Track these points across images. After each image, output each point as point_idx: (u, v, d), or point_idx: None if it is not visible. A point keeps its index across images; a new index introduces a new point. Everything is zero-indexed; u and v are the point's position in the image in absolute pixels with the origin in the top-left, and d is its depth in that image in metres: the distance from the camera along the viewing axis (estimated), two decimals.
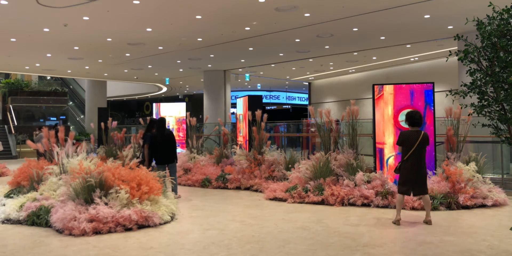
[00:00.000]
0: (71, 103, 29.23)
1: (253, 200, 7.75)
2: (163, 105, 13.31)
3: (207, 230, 5.50)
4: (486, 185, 7.02)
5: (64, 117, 25.47)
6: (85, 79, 25.27)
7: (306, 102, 33.19)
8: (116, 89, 29.68)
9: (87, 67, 18.57)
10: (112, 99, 32.53)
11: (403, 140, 5.73)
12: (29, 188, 6.92)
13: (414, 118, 5.72)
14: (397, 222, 5.71)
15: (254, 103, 9.80)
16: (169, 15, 10.26)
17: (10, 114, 23.13)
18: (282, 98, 33.05)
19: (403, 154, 5.74)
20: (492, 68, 3.65)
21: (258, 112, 9.25)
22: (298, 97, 33.93)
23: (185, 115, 12.31)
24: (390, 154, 7.50)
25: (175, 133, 11.93)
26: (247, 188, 8.86)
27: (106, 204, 5.65)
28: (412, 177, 5.68)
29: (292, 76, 23.19)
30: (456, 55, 3.96)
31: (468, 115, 7.37)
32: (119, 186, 5.76)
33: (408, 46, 14.27)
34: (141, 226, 5.58)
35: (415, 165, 5.68)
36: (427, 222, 5.71)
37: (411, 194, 5.82)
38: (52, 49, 14.29)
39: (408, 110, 6.13)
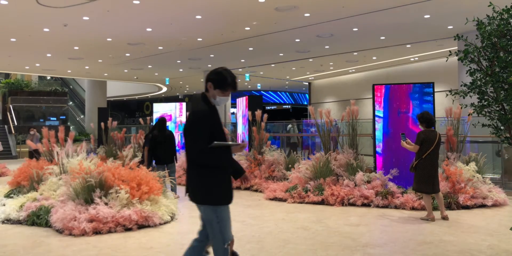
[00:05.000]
0: (71, 103, 29.22)
1: (253, 200, 7.75)
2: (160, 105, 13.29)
3: None
4: (486, 185, 7.02)
5: (64, 117, 25.47)
6: (85, 79, 25.27)
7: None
8: (116, 89, 29.68)
9: (87, 67, 18.57)
10: (112, 99, 32.52)
11: (423, 139, 5.89)
12: (29, 188, 6.93)
13: (430, 119, 5.98)
14: (431, 219, 5.87)
15: (254, 103, 9.80)
16: (169, 15, 10.25)
17: (10, 114, 23.12)
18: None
19: (421, 153, 5.89)
20: (492, 68, 3.65)
21: (258, 112, 9.25)
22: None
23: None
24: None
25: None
26: (247, 188, 8.85)
27: (106, 204, 5.65)
28: (434, 174, 5.90)
29: (292, 76, 23.19)
30: (456, 55, 3.96)
31: (468, 115, 7.37)
32: (119, 186, 5.76)
33: (408, 46, 14.27)
34: (141, 226, 5.58)
35: (434, 162, 5.94)
36: (444, 217, 5.91)
37: (433, 190, 5.94)
38: (52, 49, 14.29)
39: (420, 113, 6.16)
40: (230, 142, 3.09)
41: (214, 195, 2.97)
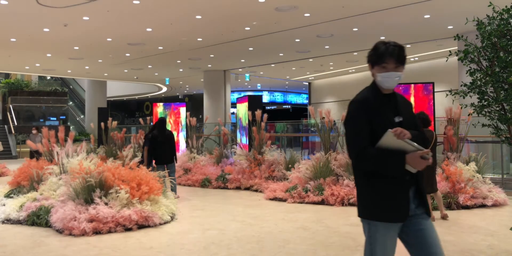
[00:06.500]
0: (71, 103, 29.21)
1: (253, 200, 7.75)
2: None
3: (207, 230, 5.50)
4: (486, 185, 7.02)
5: (64, 117, 25.46)
6: (85, 79, 25.27)
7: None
8: (116, 89, 29.67)
9: (87, 67, 18.57)
10: (112, 99, 32.51)
11: None
12: (29, 188, 6.93)
13: (425, 119, 5.96)
14: (431, 219, 5.83)
15: (254, 103, 9.79)
16: (169, 15, 10.25)
17: (10, 114, 23.12)
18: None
19: None
20: (492, 68, 3.65)
21: (258, 112, 9.25)
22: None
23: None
24: None
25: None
26: (247, 188, 8.86)
27: (106, 204, 5.65)
28: (432, 174, 5.87)
29: (292, 76, 23.19)
30: (456, 55, 3.95)
31: (468, 115, 7.37)
32: (119, 186, 5.76)
33: (408, 46, 14.25)
34: (141, 226, 5.58)
35: (432, 162, 5.83)
36: (444, 216, 5.92)
37: (432, 190, 5.93)
38: (52, 49, 14.29)
39: (416, 113, 6.16)
40: (409, 144, 2.19)
41: (369, 206, 2.36)
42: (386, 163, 2.25)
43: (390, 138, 2.18)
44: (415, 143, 2.19)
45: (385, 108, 2.36)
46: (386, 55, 2.30)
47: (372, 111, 2.31)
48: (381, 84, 2.39)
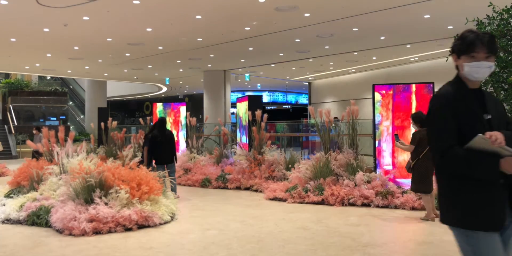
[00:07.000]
0: (71, 103, 29.21)
1: (253, 200, 7.75)
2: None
3: (207, 230, 5.50)
4: None
5: (64, 117, 25.45)
6: (85, 79, 25.27)
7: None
8: (116, 89, 29.68)
9: (87, 67, 18.57)
10: (112, 99, 32.52)
11: (419, 139, 5.83)
12: (29, 188, 6.93)
13: (423, 119, 5.91)
14: (431, 219, 5.82)
15: (254, 103, 9.80)
16: (169, 15, 10.25)
17: (10, 114, 23.11)
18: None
19: (418, 153, 5.84)
20: None
21: (258, 112, 9.25)
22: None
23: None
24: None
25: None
26: (247, 188, 8.86)
27: (106, 204, 5.65)
28: (432, 173, 5.82)
29: (292, 76, 23.19)
30: None
31: None
32: (119, 186, 5.76)
33: (408, 46, 14.27)
34: (141, 226, 5.58)
35: (431, 161, 5.85)
36: (436, 216, 5.89)
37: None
38: (52, 49, 14.29)
39: (415, 112, 6.17)
40: (505, 150, 1.94)
41: (462, 213, 2.07)
42: (477, 165, 1.97)
43: (482, 143, 1.95)
44: (511, 149, 1.94)
45: (472, 104, 2.10)
46: (477, 43, 2.08)
47: (458, 107, 2.07)
48: (468, 75, 2.13)
